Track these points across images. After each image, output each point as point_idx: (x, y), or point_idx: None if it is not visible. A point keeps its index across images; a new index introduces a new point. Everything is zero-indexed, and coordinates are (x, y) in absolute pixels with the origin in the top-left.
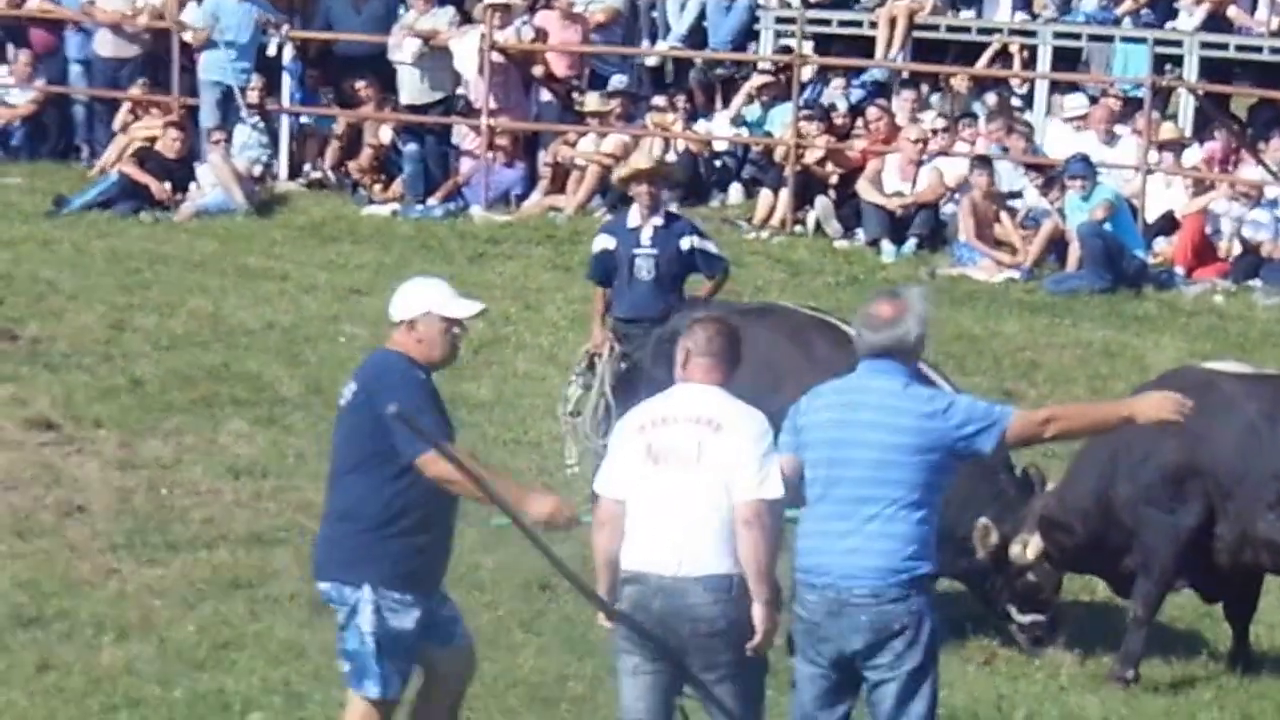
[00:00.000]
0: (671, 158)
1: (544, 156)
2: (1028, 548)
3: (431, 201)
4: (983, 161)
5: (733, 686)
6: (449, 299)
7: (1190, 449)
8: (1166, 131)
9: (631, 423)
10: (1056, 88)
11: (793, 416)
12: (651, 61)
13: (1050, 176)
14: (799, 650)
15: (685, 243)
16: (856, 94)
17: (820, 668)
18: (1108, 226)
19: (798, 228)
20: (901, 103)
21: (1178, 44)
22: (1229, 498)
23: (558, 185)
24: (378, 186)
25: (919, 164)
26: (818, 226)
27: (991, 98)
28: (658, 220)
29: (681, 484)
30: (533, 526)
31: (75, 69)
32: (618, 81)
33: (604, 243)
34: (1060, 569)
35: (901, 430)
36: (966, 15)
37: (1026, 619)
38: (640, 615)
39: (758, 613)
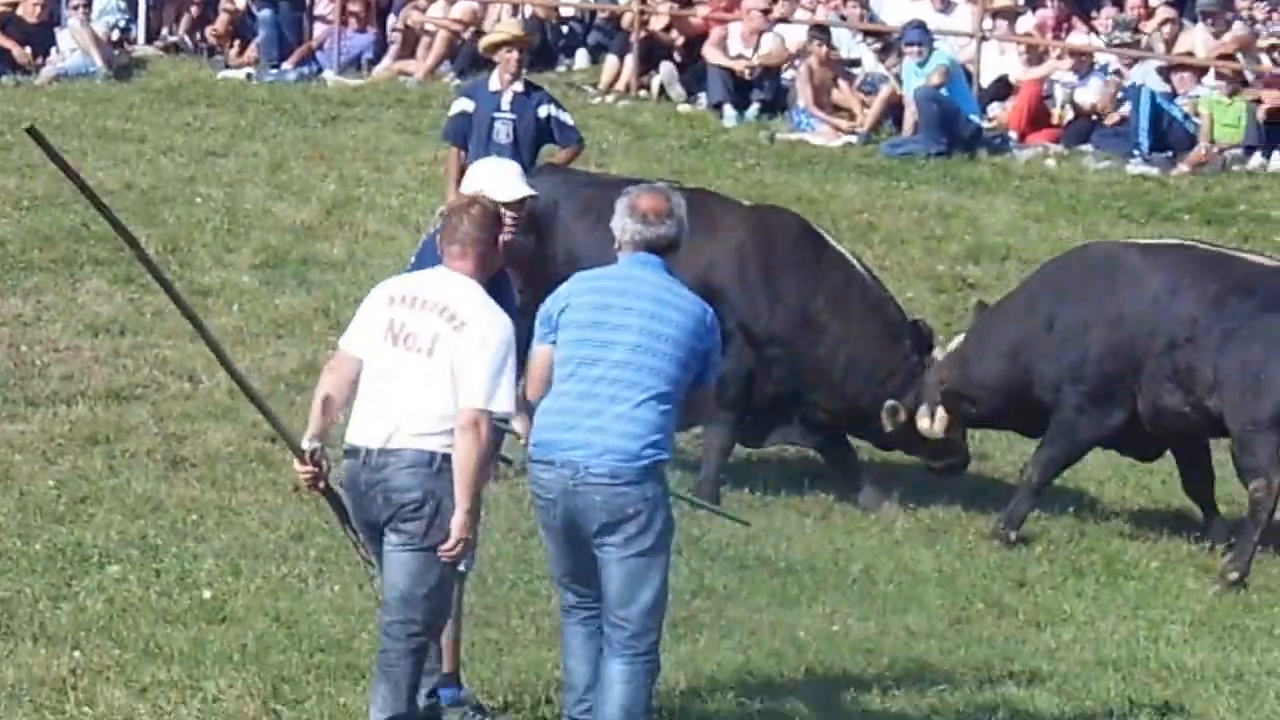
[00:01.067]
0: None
1: (394, 22)
2: (935, 422)
3: (286, 66)
4: (821, 29)
5: (417, 556)
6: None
7: (1113, 329)
8: None
9: (384, 292)
10: None
11: (550, 306)
12: None
13: (887, 44)
14: (540, 522)
15: (543, 111)
16: None
17: (560, 539)
18: (943, 92)
19: (642, 92)
20: None
21: None
22: (1140, 373)
23: (408, 50)
24: (233, 51)
25: (761, 31)
26: (662, 91)
27: None
28: (518, 87)
29: (410, 370)
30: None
31: None
32: None
33: (463, 105)
34: (970, 427)
35: (668, 323)
36: None
37: (941, 464)
38: (352, 490)
39: (457, 520)
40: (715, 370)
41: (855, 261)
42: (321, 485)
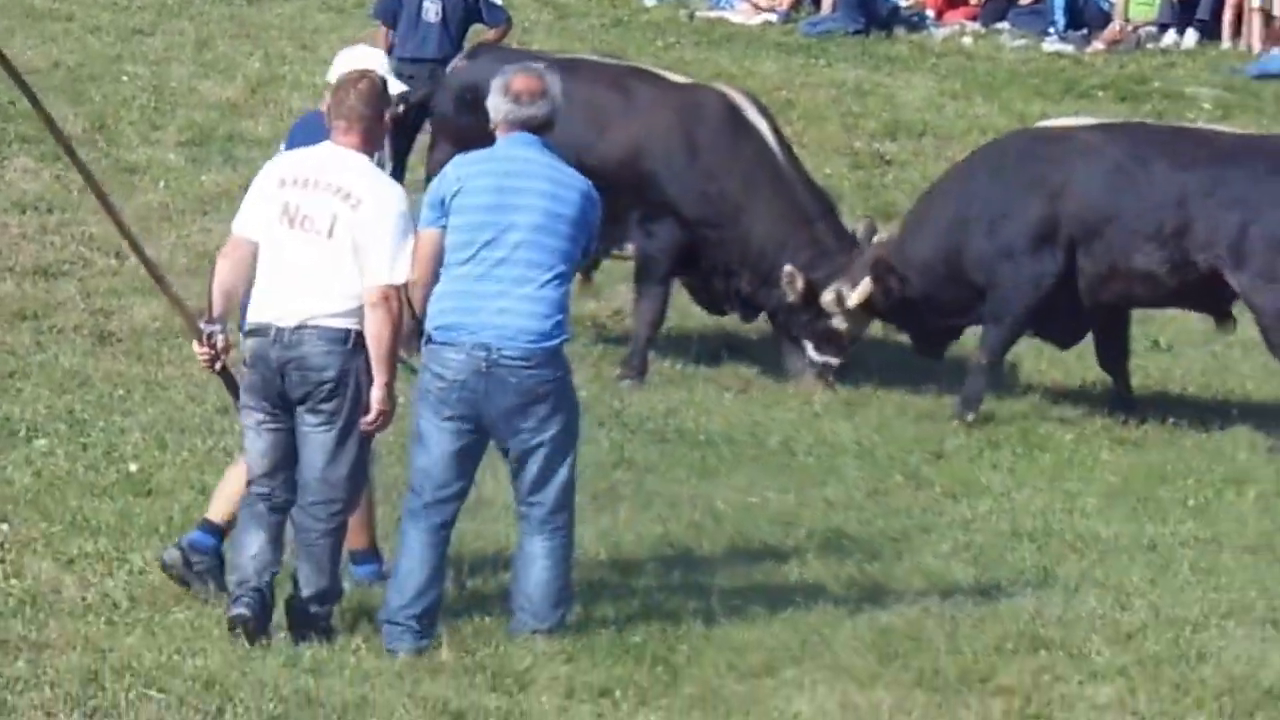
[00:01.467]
0: None
1: None
2: (852, 294)
3: None
4: None
5: (335, 435)
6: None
7: (1051, 201)
8: None
9: (275, 173)
10: None
11: (437, 190)
12: None
13: None
14: (429, 409)
15: None
16: None
17: (454, 424)
18: None
19: None
20: None
21: None
22: (1096, 236)
23: None
24: None
25: None
26: None
27: None
28: None
29: (312, 251)
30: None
31: None
32: None
33: None
34: (882, 317)
35: (564, 202)
36: None
37: (820, 358)
38: (260, 366)
39: (376, 393)
40: (595, 242)
41: (773, 140)
42: (218, 366)
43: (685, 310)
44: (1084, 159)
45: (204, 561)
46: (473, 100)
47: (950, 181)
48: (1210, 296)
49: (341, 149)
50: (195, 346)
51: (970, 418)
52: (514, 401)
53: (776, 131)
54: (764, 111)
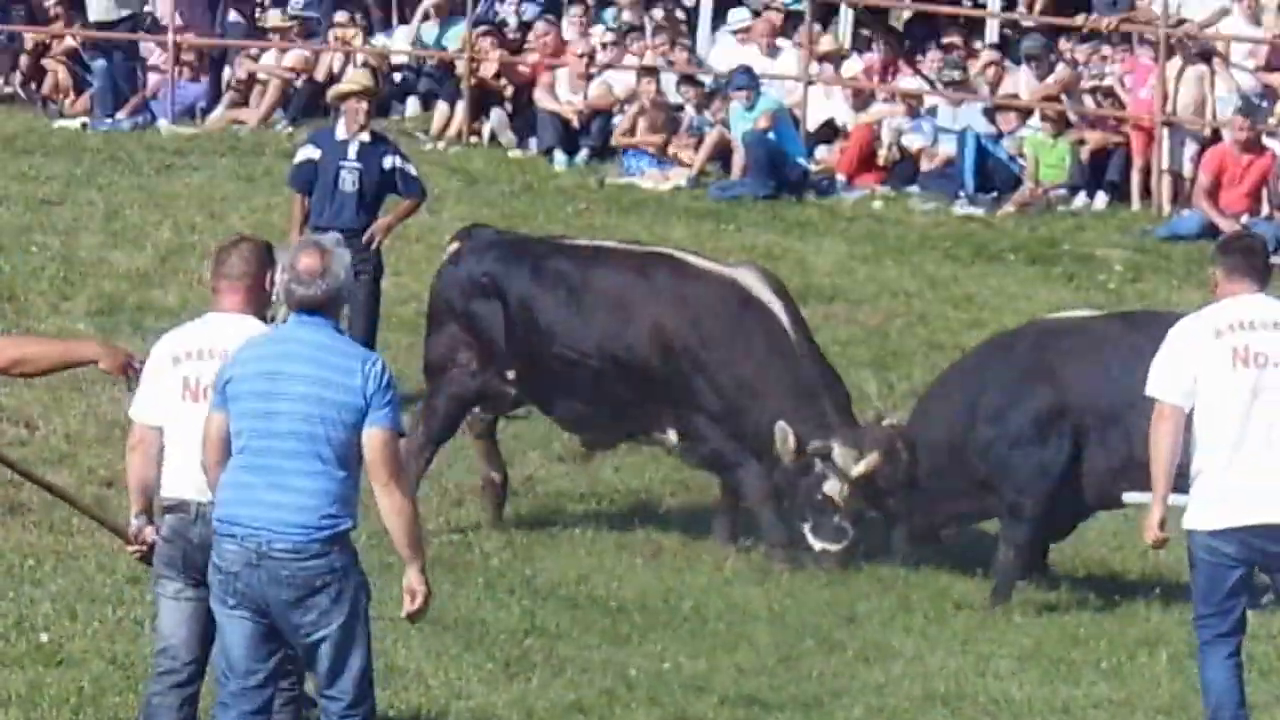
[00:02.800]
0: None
1: (229, 73)
2: (860, 462)
3: (120, 115)
4: (649, 73)
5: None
6: None
7: (1060, 391)
8: (826, 44)
9: (166, 352)
10: (721, 3)
11: (221, 372)
12: None
13: (714, 89)
14: (215, 599)
15: (388, 161)
16: (529, 9)
17: (240, 613)
18: (770, 135)
19: (474, 139)
20: (571, 18)
21: None
22: (1111, 426)
23: (241, 99)
24: (68, 100)
25: (589, 77)
26: (493, 137)
27: (658, 12)
28: (365, 137)
29: (202, 419)
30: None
31: None
32: (295, 3)
33: (309, 153)
34: (878, 503)
35: (331, 385)
36: None
37: (819, 546)
38: (180, 542)
39: None
40: (395, 413)
41: (785, 318)
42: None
43: (595, 475)
44: (1095, 350)
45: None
46: (479, 284)
47: (961, 368)
48: None
49: (225, 315)
50: (128, 548)
51: (1000, 609)
52: (290, 595)
53: (791, 309)
54: (782, 291)
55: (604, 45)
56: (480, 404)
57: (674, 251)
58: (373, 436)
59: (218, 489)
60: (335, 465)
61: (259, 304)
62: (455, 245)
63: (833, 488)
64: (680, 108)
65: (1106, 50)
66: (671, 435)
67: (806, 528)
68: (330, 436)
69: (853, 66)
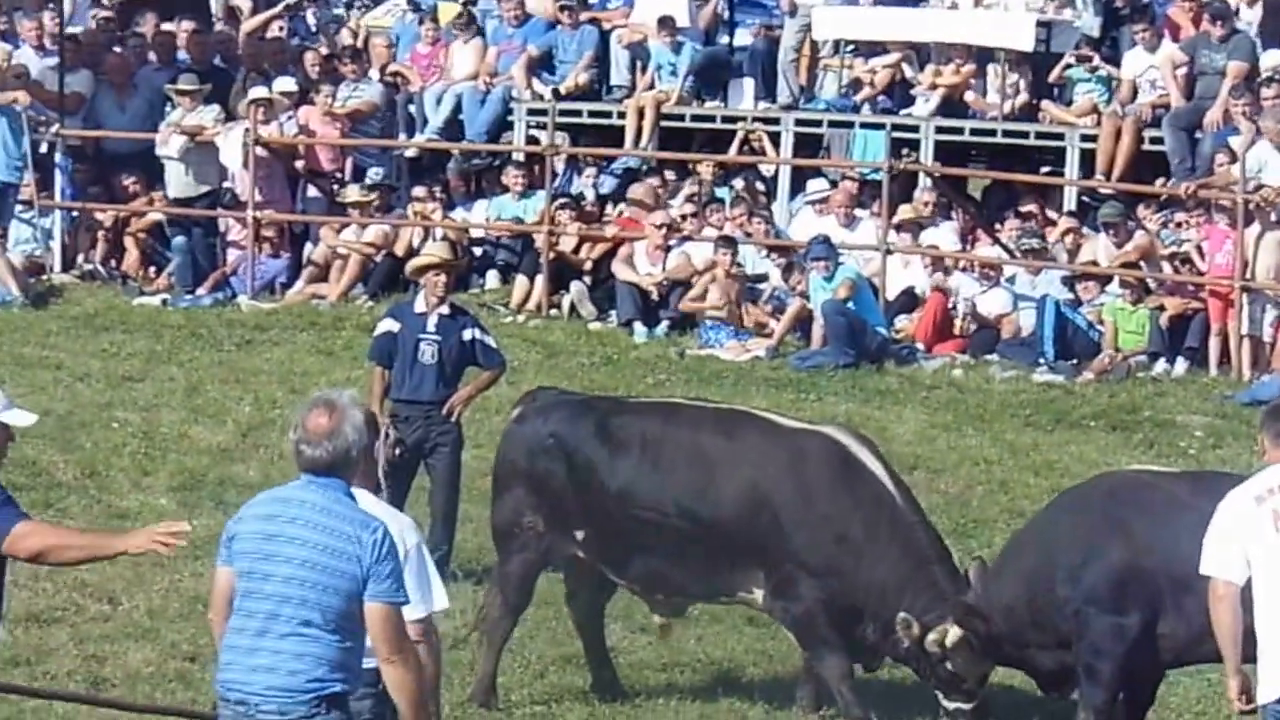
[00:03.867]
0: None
1: (309, 248)
2: (945, 637)
3: (200, 291)
4: (728, 243)
5: None
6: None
7: (1134, 550)
8: (904, 213)
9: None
10: (799, 173)
11: (228, 528)
12: (411, 153)
13: (791, 260)
14: None
15: (467, 334)
16: (608, 182)
17: None
18: (850, 305)
19: (553, 311)
20: (650, 189)
21: (914, 129)
22: (1187, 592)
23: (321, 274)
24: (148, 277)
25: (668, 249)
26: (572, 309)
27: (737, 182)
28: (444, 309)
29: None
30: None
31: None
32: (374, 174)
33: (389, 325)
34: (985, 659)
35: (324, 549)
36: (712, 104)
37: (951, 705)
38: None
39: None
40: (396, 585)
41: (889, 482)
42: None
43: (677, 646)
44: (1169, 510)
45: None
46: (545, 445)
47: (1034, 524)
48: None
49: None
50: None
51: None
52: None
53: (891, 472)
54: (876, 452)
55: (683, 217)
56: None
57: (750, 409)
58: (372, 611)
59: (222, 650)
60: (327, 630)
61: (371, 476)
62: (520, 408)
63: (959, 664)
64: (762, 278)
65: (1182, 216)
66: (758, 595)
67: (939, 694)
68: (322, 603)
69: (932, 235)
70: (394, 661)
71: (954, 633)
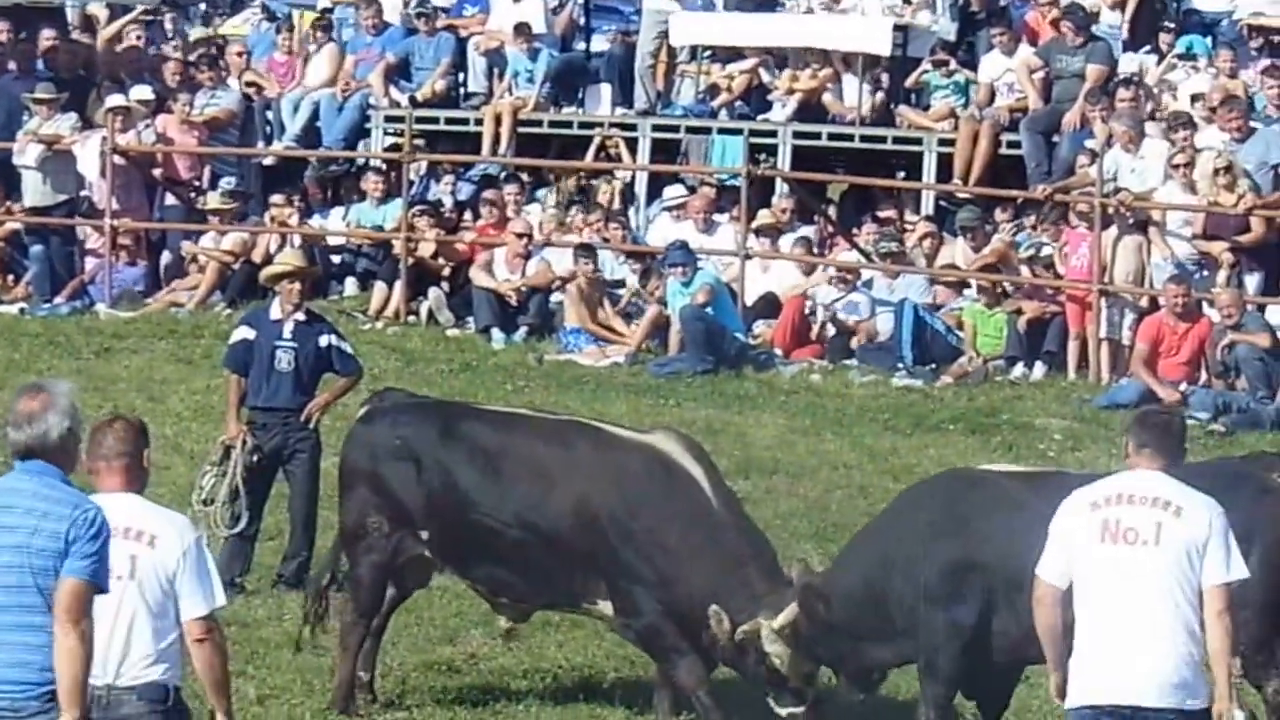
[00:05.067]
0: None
1: (167, 256)
2: (758, 630)
3: (58, 300)
4: (586, 250)
5: None
6: None
7: (969, 546)
8: (763, 218)
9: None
10: (657, 179)
11: None
12: (268, 161)
13: (649, 266)
14: None
15: (324, 340)
16: (465, 189)
17: None
18: (709, 310)
19: (411, 318)
20: (508, 196)
21: (772, 134)
22: (1019, 590)
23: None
24: (3, 287)
25: (527, 256)
26: (430, 316)
27: (596, 191)
28: (300, 316)
29: (121, 600)
30: None
31: None
32: (227, 183)
33: (244, 333)
34: (810, 652)
35: (39, 533)
36: (569, 110)
37: (784, 711)
38: None
39: None
40: (96, 566)
41: (707, 487)
42: None
43: (538, 652)
44: (1005, 507)
45: None
46: (392, 446)
47: (877, 520)
48: None
49: (109, 495)
50: None
51: None
52: None
53: (713, 477)
54: (702, 457)
55: (542, 225)
56: (400, 572)
57: (587, 421)
58: (63, 582)
59: None
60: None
61: (139, 482)
62: (366, 408)
63: (777, 657)
64: (617, 284)
65: (1033, 221)
66: (604, 606)
67: (770, 699)
68: (43, 587)
69: (790, 241)
70: (68, 629)
71: (789, 612)
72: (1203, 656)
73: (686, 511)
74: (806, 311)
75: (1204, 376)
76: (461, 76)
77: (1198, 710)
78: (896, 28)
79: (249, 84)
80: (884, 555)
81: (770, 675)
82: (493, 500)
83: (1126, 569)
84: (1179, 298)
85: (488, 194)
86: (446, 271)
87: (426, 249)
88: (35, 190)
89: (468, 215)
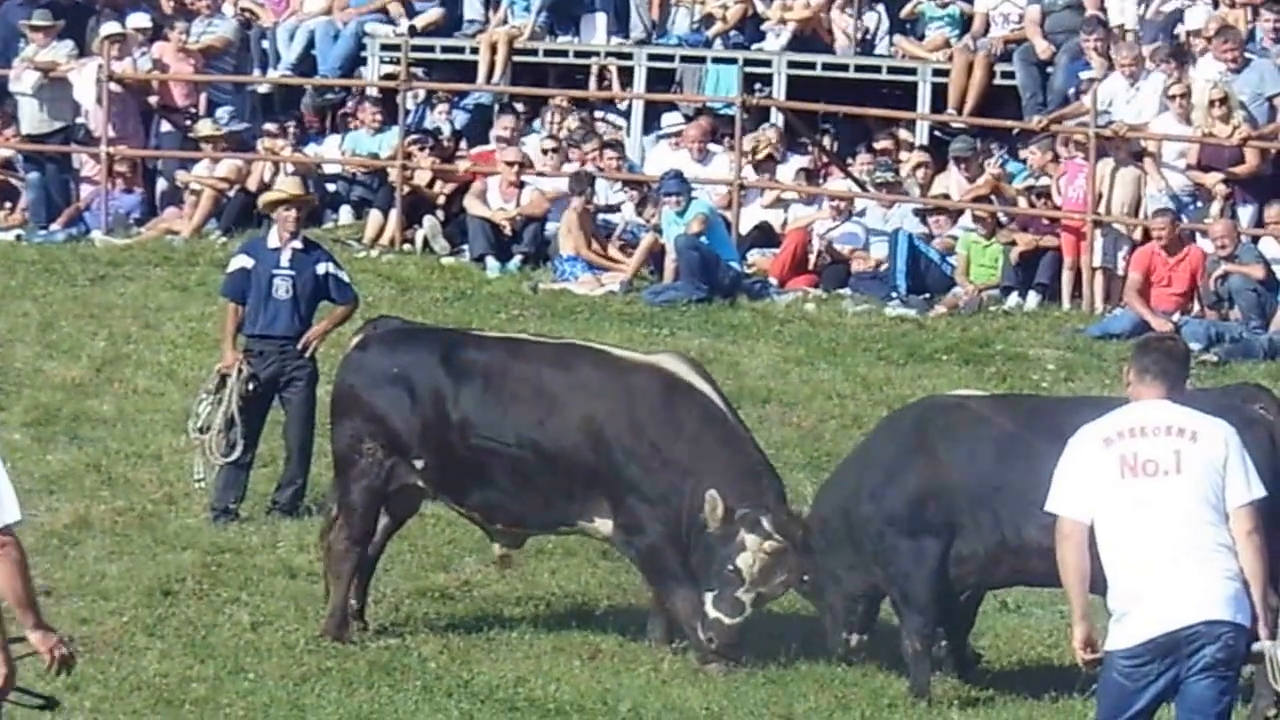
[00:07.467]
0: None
1: (162, 183)
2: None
3: (54, 227)
4: (581, 179)
5: None
6: None
7: (933, 471)
8: (749, 143)
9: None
10: (653, 108)
11: None
12: (263, 89)
13: (646, 194)
14: None
15: (321, 268)
16: (460, 117)
17: None
18: (703, 239)
19: (406, 246)
20: (503, 125)
21: (767, 64)
22: (983, 509)
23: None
24: (1, 213)
25: (521, 184)
26: (425, 245)
27: (592, 120)
28: (297, 244)
29: None
30: None
31: None
32: (224, 112)
33: (242, 262)
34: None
35: None
36: (564, 39)
37: (714, 613)
38: None
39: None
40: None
41: (719, 401)
42: None
43: (531, 579)
44: (971, 428)
45: None
46: (387, 373)
47: (857, 447)
48: None
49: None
50: None
51: (925, 703)
52: None
53: (722, 396)
54: (708, 377)
55: (544, 151)
56: (389, 501)
57: (590, 343)
58: None
59: None
60: None
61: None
62: (361, 335)
63: (745, 560)
64: (612, 209)
65: (1035, 150)
66: (602, 525)
67: (709, 595)
68: None
69: (784, 171)
70: None
71: (752, 539)
72: (1242, 574)
73: (700, 422)
74: (807, 243)
75: (1196, 307)
76: (458, 5)
77: (1248, 628)
78: None
79: (244, 11)
80: (857, 483)
81: (728, 577)
82: (493, 422)
83: (1152, 501)
84: (1163, 230)
85: (497, 129)
86: (441, 200)
87: (422, 177)
88: (31, 117)
89: (463, 144)
